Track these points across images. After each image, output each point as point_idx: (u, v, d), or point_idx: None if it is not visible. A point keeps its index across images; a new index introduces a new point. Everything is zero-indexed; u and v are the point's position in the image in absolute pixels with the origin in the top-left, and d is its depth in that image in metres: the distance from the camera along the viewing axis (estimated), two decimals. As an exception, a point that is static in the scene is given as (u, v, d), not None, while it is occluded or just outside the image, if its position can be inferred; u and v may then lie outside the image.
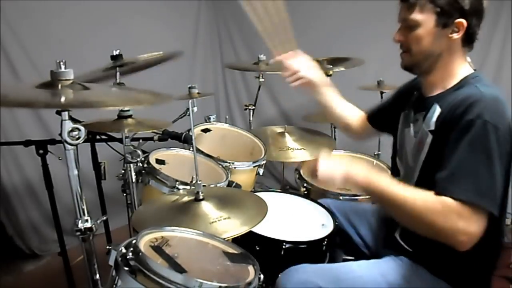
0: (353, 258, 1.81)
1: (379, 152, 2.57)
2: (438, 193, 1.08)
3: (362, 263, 1.38)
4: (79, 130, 1.06)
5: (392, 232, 1.33)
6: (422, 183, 1.21)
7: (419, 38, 1.20)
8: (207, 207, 1.43)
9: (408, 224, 1.16)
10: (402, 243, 1.30)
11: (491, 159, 1.05)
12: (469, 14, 1.16)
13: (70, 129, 1.05)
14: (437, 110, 1.20)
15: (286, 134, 2.46)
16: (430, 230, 1.09)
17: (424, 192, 1.10)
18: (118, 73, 1.85)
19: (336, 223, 1.59)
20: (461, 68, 1.24)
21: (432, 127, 1.20)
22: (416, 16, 1.19)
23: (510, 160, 1.11)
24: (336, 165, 1.22)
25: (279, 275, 1.30)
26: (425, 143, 1.22)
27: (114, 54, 1.74)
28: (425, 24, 1.18)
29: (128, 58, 1.79)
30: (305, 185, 2.10)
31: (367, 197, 1.93)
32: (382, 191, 1.15)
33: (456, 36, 1.19)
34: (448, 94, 1.21)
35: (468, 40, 1.21)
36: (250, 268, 1.19)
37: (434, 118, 1.20)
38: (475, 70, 1.26)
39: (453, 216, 1.04)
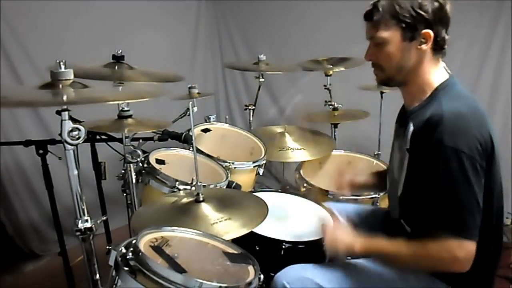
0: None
1: (379, 152, 2.57)
2: (424, 232, 1.12)
3: (360, 261, 1.38)
4: (79, 130, 1.06)
5: (392, 233, 1.33)
6: (406, 197, 1.26)
7: (388, 54, 1.22)
8: (207, 209, 1.43)
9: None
10: None
11: (454, 188, 1.08)
12: (434, 23, 1.17)
13: (70, 129, 1.05)
14: (411, 128, 1.21)
15: (286, 134, 2.46)
16: (429, 268, 1.19)
17: (414, 246, 1.14)
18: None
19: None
20: (436, 76, 1.23)
21: (408, 146, 1.22)
22: (382, 33, 1.20)
23: (488, 166, 1.13)
24: (339, 242, 1.27)
25: (275, 274, 1.30)
26: (404, 161, 1.24)
27: (117, 54, 1.73)
28: (392, 40, 1.19)
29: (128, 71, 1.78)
30: (305, 185, 2.10)
31: (367, 197, 1.94)
32: (381, 257, 1.24)
33: (425, 47, 1.19)
34: (420, 109, 1.22)
35: (438, 48, 1.22)
36: (250, 268, 1.19)
37: (409, 136, 1.21)
38: (450, 74, 1.26)
39: (436, 250, 1.11)
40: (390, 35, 1.19)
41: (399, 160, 1.30)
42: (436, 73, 1.24)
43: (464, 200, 1.08)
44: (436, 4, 1.16)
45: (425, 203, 1.13)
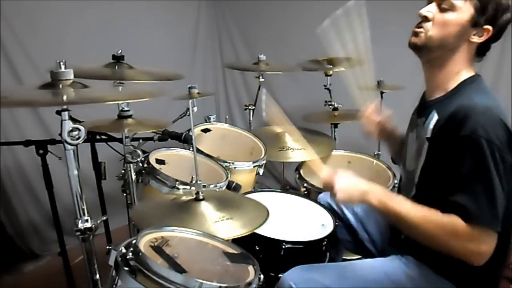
0: (355, 256, 1.82)
1: (379, 152, 2.57)
2: (447, 212, 1.09)
3: (367, 261, 1.38)
4: (79, 130, 1.06)
5: (398, 231, 1.33)
6: (422, 188, 1.25)
7: (447, 22, 1.18)
8: (208, 208, 1.43)
9: (423, 242, 1.16)
10: (408, 243, 1.30)
11: (490, 178, 1.06)
12: (497, 27, 1.17)
13: (70, 129, 1.05)
14: (434, 118, 1.20)
15: (286, 134, 2.46)
16: (443, 250, 1.12)
17: (436, 214, 1.11)
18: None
19: (336, 223, 1.59)
20: (465, 71, 1.23)
21: (429, 135, 1.21)
22: (458, 1, 1.16)
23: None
24: (353, 186, 1.21)
25: (282, 275, 1.29)
26: (422, 150, 1.23)
27: (116, 54, 1.73)
28: (461, 12, 1.16)
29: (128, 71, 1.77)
30: (305, 185, 2.10)
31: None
32: (396, 214, 1.15)
33: (476, 40, 1.18)
34: (445, 99, 1.22)
35: (482, 50, 1.22)
36: (250, 268, 1.19)
37: (431, 126, 1.21)
38: (476, 73, 1.25)
39: (463, 239, 1.07)
40: (464, 7, 1.16)
41: (415, 150, 1.28)
42: (466, 69, 1.23)
43: (497, 193, 1.06)
44: (509, 16, 1.17)
45: (455, 193, 1.09)
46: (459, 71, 1.22)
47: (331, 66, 2.62)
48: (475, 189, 1.07)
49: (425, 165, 1.23)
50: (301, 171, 2.21)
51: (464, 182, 1.09)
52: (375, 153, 2.55)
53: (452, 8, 1.17)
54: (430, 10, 1.20)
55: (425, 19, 1.21)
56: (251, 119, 2.64)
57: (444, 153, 1.14)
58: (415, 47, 1.24)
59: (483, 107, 1.10)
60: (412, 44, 1.24)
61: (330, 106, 2.66)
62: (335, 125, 2.69)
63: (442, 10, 1.19)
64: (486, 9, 1.15)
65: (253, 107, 2.64)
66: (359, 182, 1.22)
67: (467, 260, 1.09)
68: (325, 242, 1.50)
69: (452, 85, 1.22)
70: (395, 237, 1.35)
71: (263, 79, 2.59)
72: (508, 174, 1.09)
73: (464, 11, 1.16)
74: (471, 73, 1.23)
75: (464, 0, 1.16)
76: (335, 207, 1.70)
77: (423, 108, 1.31)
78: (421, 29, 1.21)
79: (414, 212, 1.14)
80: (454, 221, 1.08)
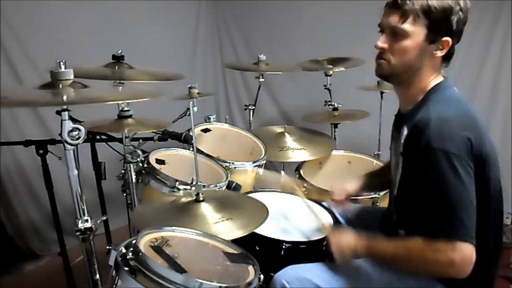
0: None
1: (379, 152, 2.57)
2: (418, 235, 1.12)
3: (358, 262, 1.38)
4: (79, 130, 1.06)
5: (390, 233, 1.33)
6: (400, 199, 1.28)
7: (404, 49, 1.18)
8: (208, 209, 1.43)
9: (411, 273, 1.21)
10: None
11: (445, 188, 1.07)
12: (454, 34, 1.17)
13: (70, 129, 1.05)
14: (405, 132, 1.21)
15: (286, 134, 2.46)
16: (426, 272, 1.16)
17: (404, 242, 1.15)
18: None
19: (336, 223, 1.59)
20: (433, 80, 1.23)
21: (401, 149, 1.22)
22: (408, 26, 1.16)
23: (480, 167, 1.12)
24: (344, 246, 1.26)
25: (275, 275, 1.30)
26: (399, 163, 1.25)
27: (116, 54, 1.73)
28: (415, 36, 1.17)
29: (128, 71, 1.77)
30: (305, 185, 2.10)
31: (367, 197, 1.94)
32: (382, 256, 1.21)
33: (439, 54, 1.19)
34: (413, 112, 1.22)
35: (447, 58, 1.22)
36: (250, 268, 1.19)
37: (403, 140, 1.21)
38: (445, 77, 1.25)
39: (429, 254, 1.09)
40: (415, 30, 1.16)
41: (395, 163, 1.30)
42: (434, 78, 1.24)
43: (458, 201, 1.07)
44: (462, 16, 1.16)
45: (419, 206, 1.13)
46: (426, 83, 1.23)
47: (331, 66, 2.62)
48: (429, 201, 1.09)
49: (401, 180, 1.25)
50: (301, 171, 2.21)
51: (427, 197, 1.10)
52: (375, 153, 2.55)
53: (405, 35, 1.17)
54: (385, 40, 1.21)
55: (383, 50, 1.22)
56: (251, 119, 2.64)
57: (411, 167, 1.17)
58: (382, 77, 1.27)
59: (437, 118, 1.11)
60: (379, 75, 1.27)
61: (330, 106, 2.66)
62: (335, 125, 2.69)
63: (395, 37, 1.19)
64: (437, 24, 1.15)
65: (253, 107, 2.64)
66: (349, 240, 1.26)
67: (449, 274, 1.09)
68: (325, 242, 1.50)
69: (421, 97, 1.23)
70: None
71: (263, 79, 2.60)
72: (478, 179, 1.10)
73: (417, 34, 1.16)
74: (439, 80, 1.23)
75: (413, 24, 1.16)
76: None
77: (398, 121, 1.32)
78: (382, 60, 1.23)
79: (388, 248, 1.18)
80: (416, 241, 1.11)
